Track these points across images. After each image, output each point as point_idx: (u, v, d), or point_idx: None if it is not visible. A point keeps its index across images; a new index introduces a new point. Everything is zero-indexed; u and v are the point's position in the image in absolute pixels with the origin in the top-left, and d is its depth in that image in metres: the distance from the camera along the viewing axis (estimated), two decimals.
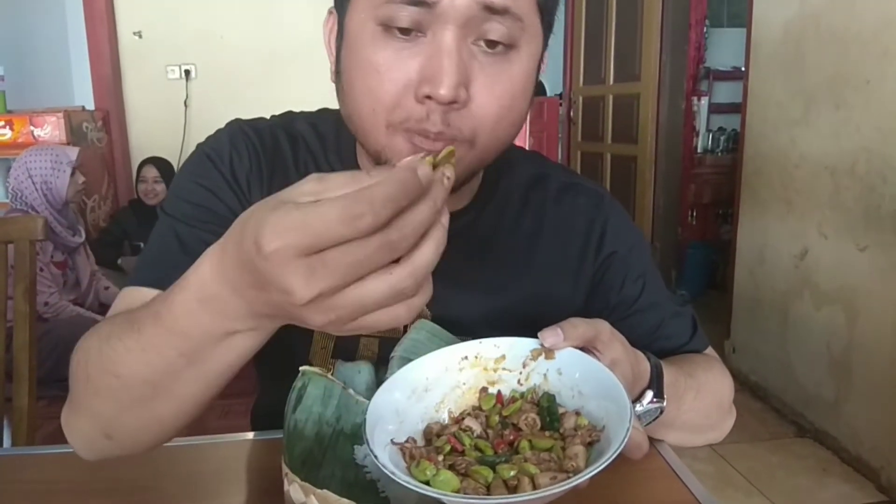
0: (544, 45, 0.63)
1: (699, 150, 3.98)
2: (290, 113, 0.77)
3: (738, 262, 2.91)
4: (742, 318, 2.91)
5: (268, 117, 0.76)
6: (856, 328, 2.22)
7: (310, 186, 0.38)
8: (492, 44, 0.57)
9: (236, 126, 0.73)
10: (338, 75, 0.63)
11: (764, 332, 2.74)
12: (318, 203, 0.36)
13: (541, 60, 0.64)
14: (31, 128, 3.08)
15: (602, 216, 0.77)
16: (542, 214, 0.76)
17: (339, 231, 0.35)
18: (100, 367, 0.51)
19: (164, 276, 0.59)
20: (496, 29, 0.56)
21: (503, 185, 0.76)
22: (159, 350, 0.47)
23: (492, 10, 0.55)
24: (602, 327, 0.55)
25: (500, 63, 0.58)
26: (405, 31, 0.56)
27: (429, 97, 0.55)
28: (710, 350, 0.81)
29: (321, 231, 0.35)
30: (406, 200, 0.36)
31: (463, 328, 0.71)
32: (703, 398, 0.70)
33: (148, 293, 0.61)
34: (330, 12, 0.64)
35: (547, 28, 0.62)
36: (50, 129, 3.09)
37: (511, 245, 0.75)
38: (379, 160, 0.61)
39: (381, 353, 0.73)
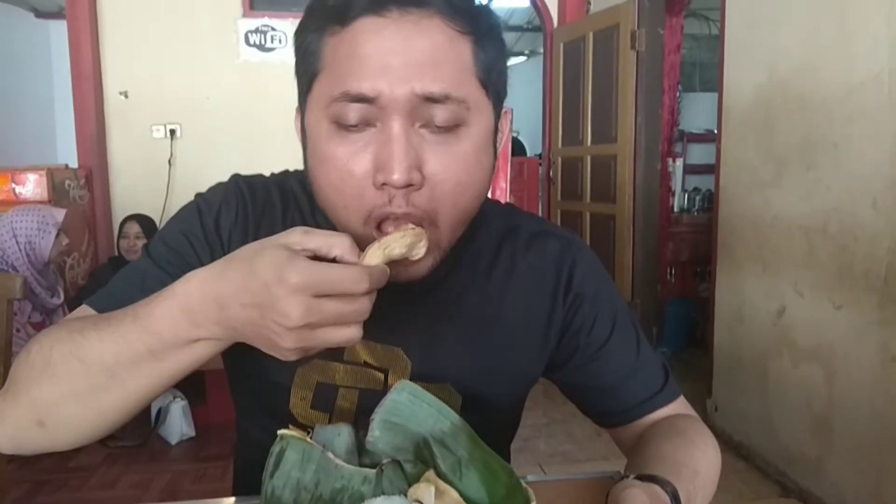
0: (497, 114, 0.66)
1: (676, 210, 4.06)
2: (285, 172, 0.82)
3: (717, 320, 2.94)
4: (723, 376, 2.92)
5: (267, 174, 0.81)
6: (835, 386, 2.23)
7: (296, 237, 0.51)
8: (438, 128, 0.60)
9: (233, 181, 0.78)
10: (307, 171, 0.68)
11: (745, 391, 2.74)
12: (336, 265, 0.50)
13: (496, 130, 0.67)
14: (13, 185, 3.08)
15: (569, 259, 0.79)
16: (513, 264, 0.78)
17: (344, 286, 0.49)
18: (65, 352, 0.56)
19: (114, 308, 0.66)
20: (440, 115, 0.60)
21: (477, 239, 0.78)
22: (130, 344, 0.54)
23: (433, 100, 0.59)
24: None
25: (450, 142, 0.61)
26: (355, 127, 0.60)
27: (385, 184, 0.59)
28: (683, 402, 0.81)
29: (334, 282, 0.48)
30: (380, 284, 0.51)
31: (441, 378, 0.74)
32: (709, 489, 0.69)
33: None
34: (297, 110, 0.68)
35: (497, 99, 0.66)
36: (31, 187, 3.09)
37: (484, 297, 0.77)
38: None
39: (360, 403, 0.74)
